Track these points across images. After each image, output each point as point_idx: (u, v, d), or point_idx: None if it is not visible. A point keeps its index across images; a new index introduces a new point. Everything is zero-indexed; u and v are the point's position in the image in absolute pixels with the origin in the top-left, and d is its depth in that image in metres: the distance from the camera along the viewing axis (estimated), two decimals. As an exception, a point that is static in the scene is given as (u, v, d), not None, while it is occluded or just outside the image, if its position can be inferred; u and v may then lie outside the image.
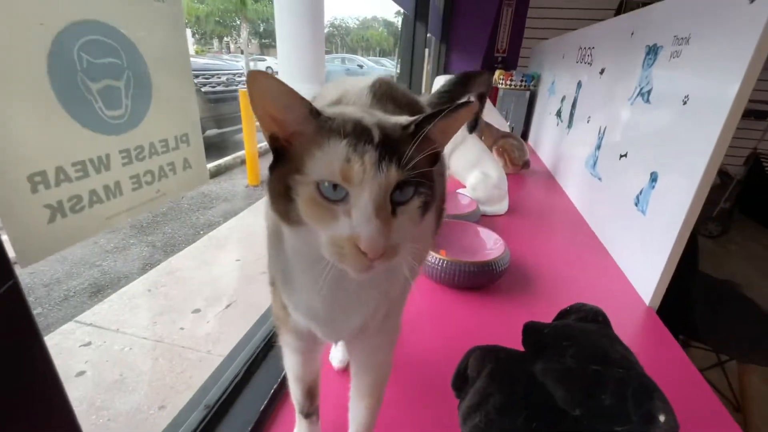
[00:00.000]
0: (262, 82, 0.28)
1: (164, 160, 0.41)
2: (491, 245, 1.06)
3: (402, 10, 2.08)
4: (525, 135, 3.08)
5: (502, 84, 3.02)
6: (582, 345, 0.30)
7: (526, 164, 2.04)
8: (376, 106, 0.45)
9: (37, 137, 0.29)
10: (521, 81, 2.95)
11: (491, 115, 2.51)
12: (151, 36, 0.38)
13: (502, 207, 1.49)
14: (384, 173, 0.29)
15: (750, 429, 1.35)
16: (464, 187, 1.52)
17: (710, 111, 0.83)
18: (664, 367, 0.80)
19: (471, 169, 1.49)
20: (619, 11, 3.55)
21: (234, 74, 6.04)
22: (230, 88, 5.61)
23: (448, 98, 0.76)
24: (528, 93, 2.97)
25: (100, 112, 0.34)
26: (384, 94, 0.48)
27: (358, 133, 0.30)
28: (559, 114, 2.19)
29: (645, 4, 3.74)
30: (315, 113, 0.30)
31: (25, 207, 0.29)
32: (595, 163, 1.48)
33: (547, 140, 2.44)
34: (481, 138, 2.00)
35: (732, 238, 3.38)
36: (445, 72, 3.75)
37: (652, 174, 1.03)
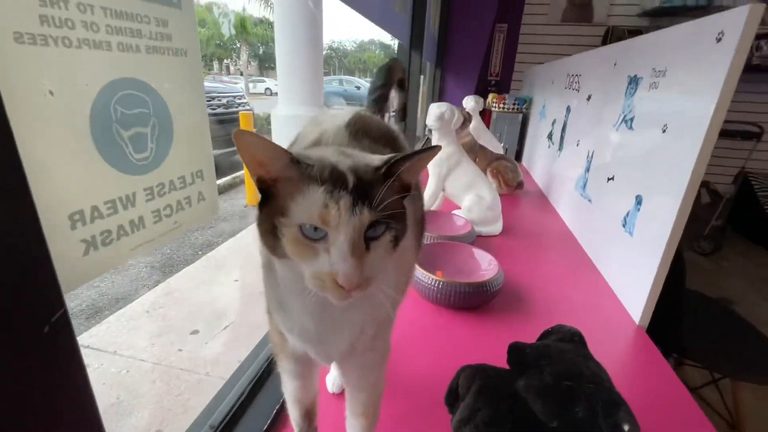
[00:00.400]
0: (247, 139, 0.32)
1: (182, 194, 0.45)
2: (485, 266, 1.10)
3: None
4: (519, 156, 3.16)
5: (495, 107, 3.11)
6: (558, 363, 0.33)
7: (519, 185, 2.09)
8: (353, 143, 0.49)
9: (77, 181, 0.33)
10: (514, 104, 3.04)
11: (485, 137, 2.58)
12: (173, 86, 0.42)
13: (496, 228, 1.53)
14: (357, 216, 0.33)
15: (746, 447, 1.36)
16: (460, 208, 1.57)
17: (687, 138, 0.88)
18: (654, 386, 0.83)
19: (466, 191, 1.53)
20: (605, 40, 3.70)
21: (234, 96, 6.18)
22: (230, 110, 5.74)
23: (385, 98, 0.76)
24: (521, 116, 3.07)
25: (130, 155, 0.38)
26: (359, 130, 0.52)
27: (334, 179, 0.34)
28: (550, 137, 2.26)
29: (632, 33, 3.89)
30: (295, 161, 0.34)
31: (66, 242, 0.32)
32: (584, 185, 1.54)
33: (539, 162, 2.51)
34: (475, 160, 2.06)
35: (725, 255, 3.42)
36: (441, 96, 3.86)
37: (637, 197, 1.09)
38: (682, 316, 1.23)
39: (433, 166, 1.55)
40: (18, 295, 0.24)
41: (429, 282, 1.03)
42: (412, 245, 0.55)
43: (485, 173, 2.09)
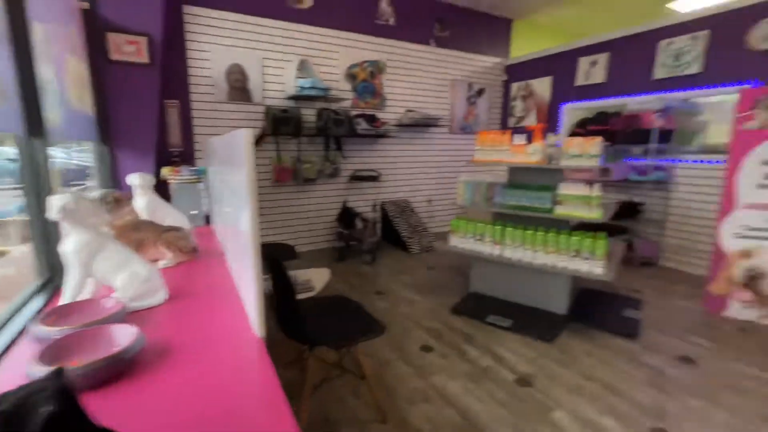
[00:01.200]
0: None
1: None
2: (123, 338, 1.21)
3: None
4: (210, 220, 3.40)
5: (172, 179, 3.24)
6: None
7: (194, 250, 2.30)
8: None
9: None
10: (191, 174, 3.28)
11: (162, 210, 2.65)
12: None
13: (158, 298, 1.65)
14: None
15: (372, 390, 2.06)
16: (113, 291, 1.59)
17: (244, 206, 1.34)
18: (263, 379, 1.18)
19: (117, 271, 1.58)
20: (267, 116, 4.58)
21: None
22: None
23: None
24: (201, 184, 3.34)
25: None
26: None
27: None
28: (219, 201, 2.62)
29: (283, 111, 4.85)
30: None
31: None
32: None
33: (219, 223, 2.83)
34: (143, 239, 2.12)
35: (380, 262, 4.87)
36: (115, 174, 3.62)
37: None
38: (302, 319, 1.77)
39: (71, 255, 1.52)
40: None
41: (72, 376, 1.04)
42: None
43: (157, 246, 2.18)
